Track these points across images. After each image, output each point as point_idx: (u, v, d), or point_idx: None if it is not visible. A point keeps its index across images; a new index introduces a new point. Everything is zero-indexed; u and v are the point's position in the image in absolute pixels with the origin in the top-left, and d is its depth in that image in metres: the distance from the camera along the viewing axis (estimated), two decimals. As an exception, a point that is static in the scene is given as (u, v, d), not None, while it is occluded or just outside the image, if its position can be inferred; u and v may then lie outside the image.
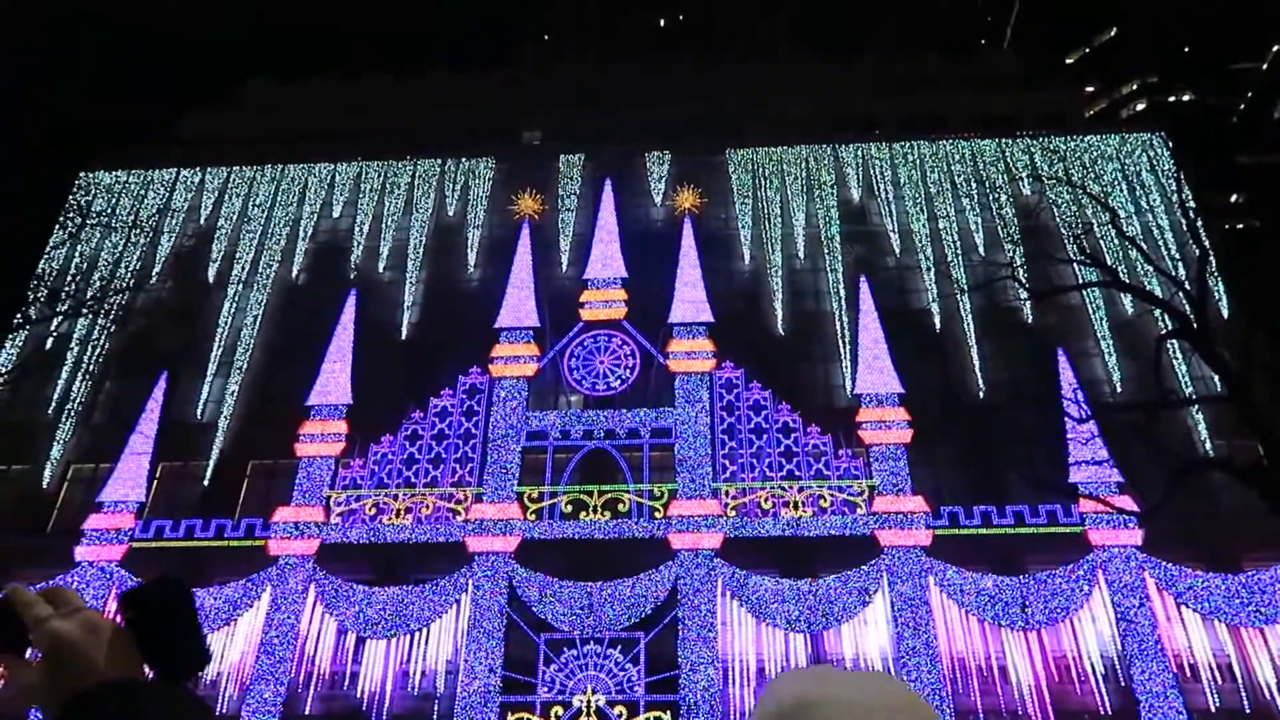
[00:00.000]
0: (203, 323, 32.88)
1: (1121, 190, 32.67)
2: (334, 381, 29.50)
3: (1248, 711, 23.67)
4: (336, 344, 30.24)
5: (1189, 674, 23.92)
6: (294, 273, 33.93)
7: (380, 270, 33.73)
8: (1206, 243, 20.84)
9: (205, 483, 29.21)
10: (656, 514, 26.76)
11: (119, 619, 1.28)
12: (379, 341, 31.33)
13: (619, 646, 25.09)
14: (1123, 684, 23.70)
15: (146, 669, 1.25)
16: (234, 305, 33.31)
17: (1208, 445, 27.44)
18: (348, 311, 31.04)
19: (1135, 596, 24.07)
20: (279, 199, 35.96)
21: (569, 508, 27.49)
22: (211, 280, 33.83)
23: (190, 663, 1.29)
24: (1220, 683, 24.04)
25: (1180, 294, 20.83)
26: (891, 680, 1.27)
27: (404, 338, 31.95)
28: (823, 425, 28.22)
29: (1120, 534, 24.37)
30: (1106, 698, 23.53)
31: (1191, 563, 25.17)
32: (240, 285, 33.68)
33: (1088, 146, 34.37)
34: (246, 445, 29.91)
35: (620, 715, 24.05)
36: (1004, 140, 35.07)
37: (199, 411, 30.88)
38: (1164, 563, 24.58)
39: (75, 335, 32.62)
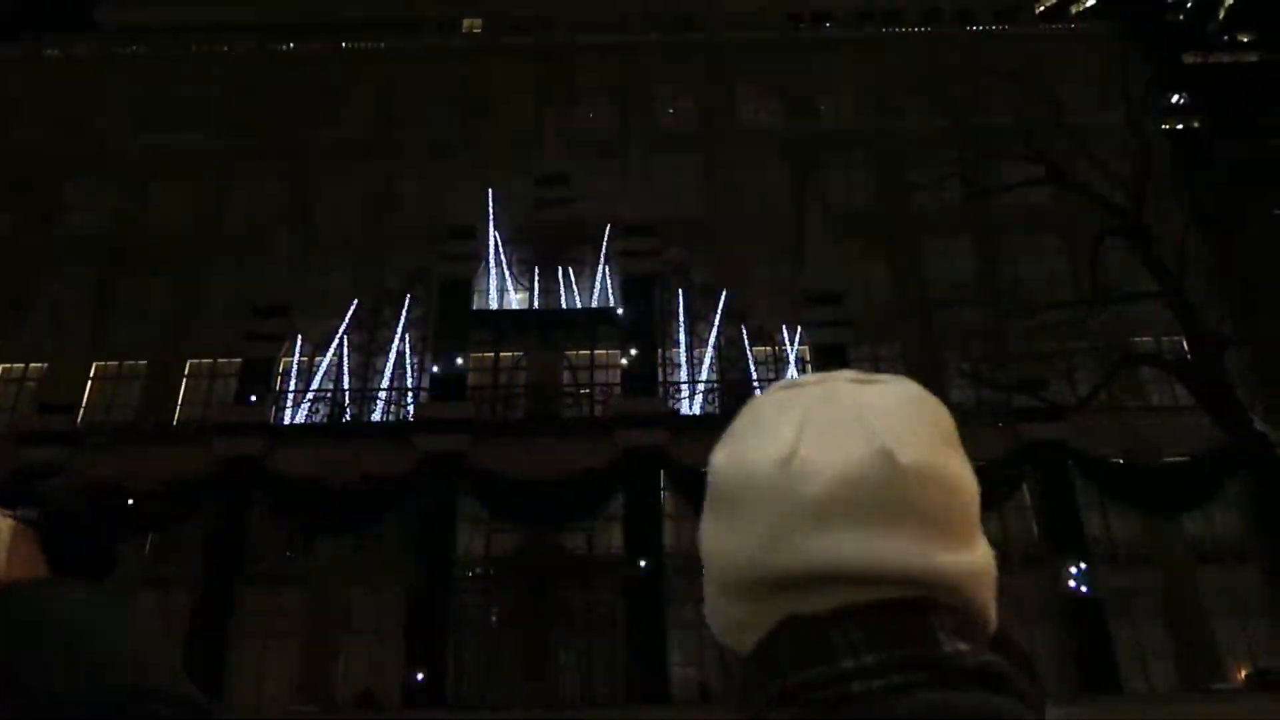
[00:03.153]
0: (138, 217, 31.65)
1: (1071, 88, 32.64)
2: (274, 279, 28.81)
3: (1162, 594, 25.11)
4: (276, 240, 29.39)
5: (1108, 560, 25.18)
6: (230, 166, 32.63)
7: (320, 164, 32.59)
8: (1147, 139, 21.05)
9: (143, 382, 28.61)
10: (602, 411, 26.98)
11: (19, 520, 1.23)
12: (320, 238, 30.55)
13: (567, 539, 25.60)
14: (1045, 570, 24.89)
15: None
16: (169, 199, 32.07)
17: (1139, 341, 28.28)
18: (286, 207, 30.09)
19: (1060, 485, 25.03)
20: (209, 90, 34.30)
21: (517, 404, 27.58)
22: (142, 172, 32.39)
23: (97, 564, 1.25)
24: (1137, 569, 25.43)
25: (1121, 191, 21.13)
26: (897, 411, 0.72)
27: (347, 235, 31.13)
28: (770, 324, 28.49)
29: (1050, 427, 25.17)
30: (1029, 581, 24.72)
31: (1116, 454, 26.24)
32: (174, 178, 32.35)
33: (1038, 41, 34.12)
34: (185, 344, 29.26)
35: (569, 602, 24.70)
36: (955, 33, 34.66)
37: (135, 309, 30.00)
38: (1088, 453, 25.55)
39: (-2, 231, 31.25)
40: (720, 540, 0.70)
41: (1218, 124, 54.99)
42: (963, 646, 0.62)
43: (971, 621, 0.66)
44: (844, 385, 0.72)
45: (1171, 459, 26.28)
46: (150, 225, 31.37)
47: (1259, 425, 22.30)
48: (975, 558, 0.69)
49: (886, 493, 0.65)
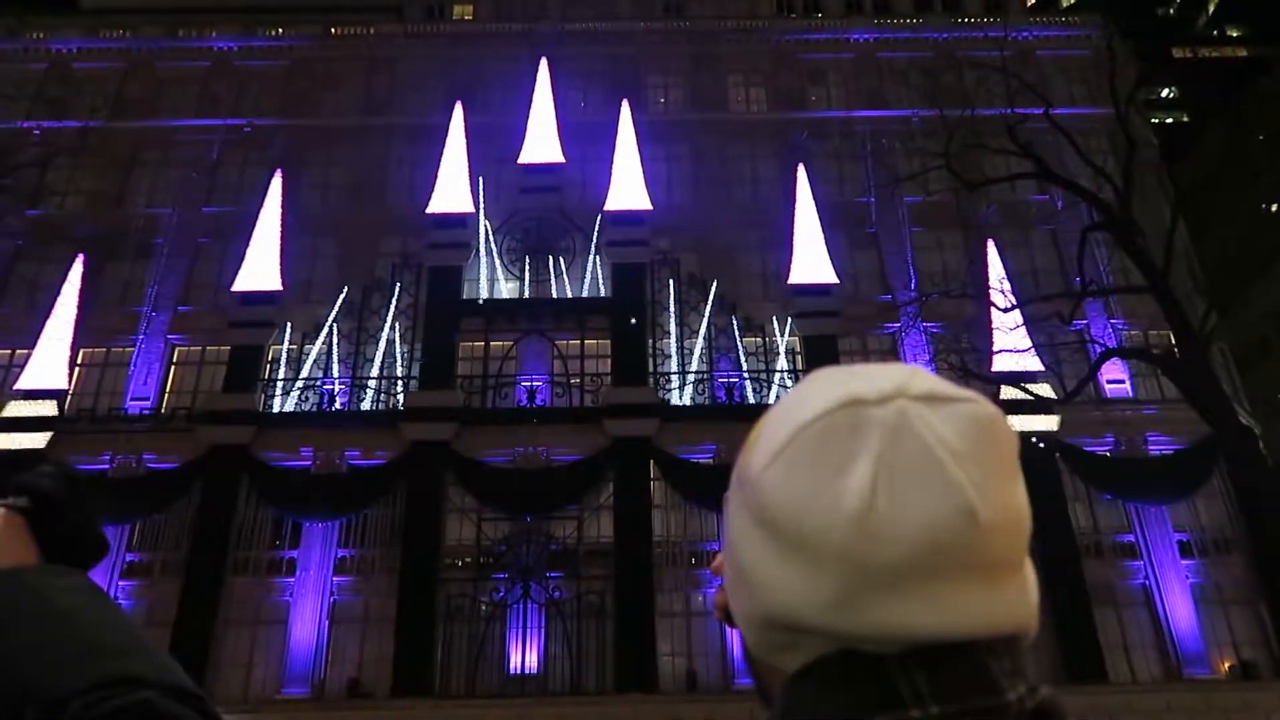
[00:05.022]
0: (121, 203, 31.40)
1: (1060, 81, 32.71)
2: (262, 266, 28.66)
3: (1149, 586, 25.33)
4: (263, 227, 29.22)
5: (1093, 551, 25.37)
6: (214, 152, 32.39)
7: (307, 151, 32.39)
8: (1135, 135, 21.13)
9: (130, 369, 28.44)
10: (592, 401, 27.00)
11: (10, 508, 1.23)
12: (308, 226, 30.38)
13: (556, 528, 25.65)
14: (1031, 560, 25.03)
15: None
16: (153, 184, 31.83)
17: (1126, 334, 28.43)
18: (273, 193, 29.91)
19: (1048, 477, 25.16)
20: (192, 73, 34.01)
21: (505, 394, 27.56)
22: (125, 156, 32.08)
23: (87, 551, 1.25)
24: (1121, 561, 25.64)
25: (1108, 186, 21.21)
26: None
27: (335, 222, 30.96)
28: (760, 314, 28.53)
29: (1037, 419, 25.30)
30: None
31: (1102, 447, 26.43)
32: (158, 164, 32.10)
33: (1027, 34, 34.15)
34: (173, 330, 29.09)
35: (559, 591, 24.76)
36: (944, 26, 34.66)
37: (120, 295, 29.80)
38: (1075, 445, 25.71)
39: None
40: (774, 575, 0.66)
41: (1205, 118, 55.23)
42: (1022, 690, 0.62)
43: (1024, 652, 0.67)
44: (914, 410, 0.65)
45: (1157, 451, 26.49)
46: (135, 209, 31.12)
47: (1243, 418, 22.51)
48: (1032, 590, 0.69)
49: (965, 552, 0.62)
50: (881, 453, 0.63)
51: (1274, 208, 46.08)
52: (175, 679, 0.98)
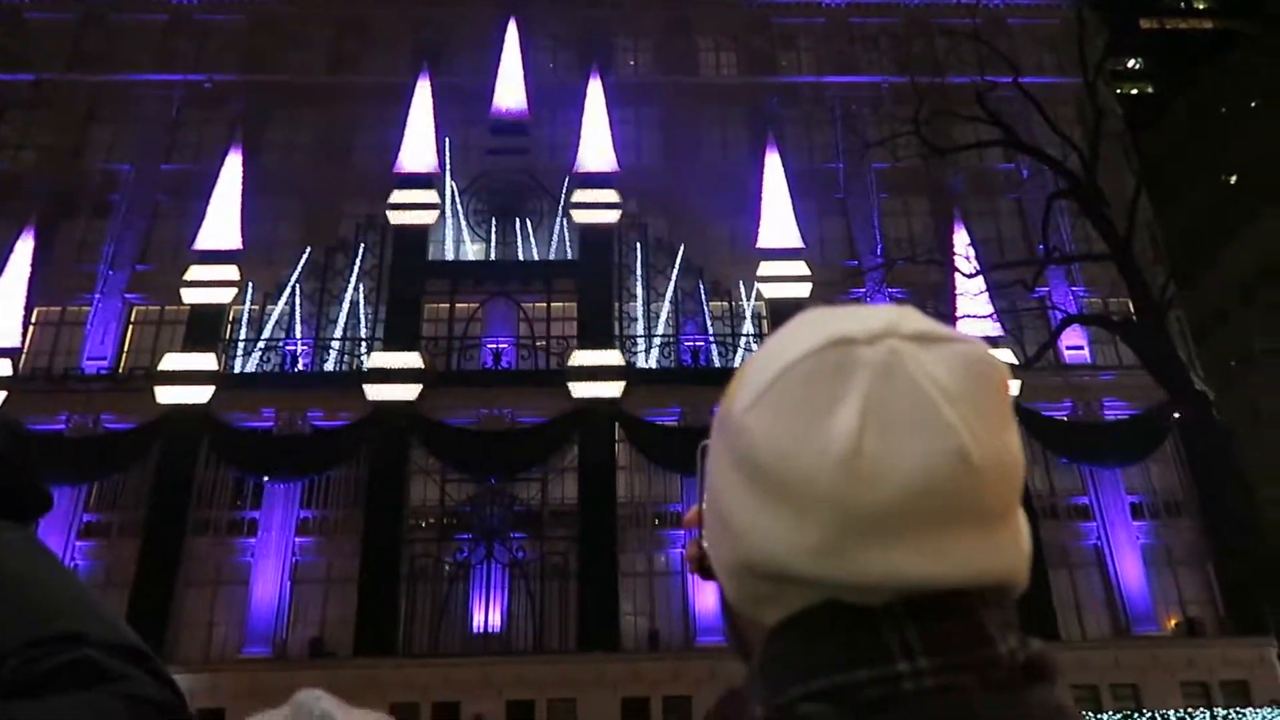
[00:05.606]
0: (78, 158, 30.60)
1: (1030, 51, 32.77)
2: (222, 225, 28.17)
3: (1101, 547, 25.91)
4: (223, 186, 28.68)
5: (1048, 513, 25.85)
6: (174, 109, 31.64)
7: (270, 109, 31.74)
8: (1102, 105, 21.29)
9: (87, 328, 27.93)
10: (558, 363, 26.96)
11: None
12: (271, 185, 29.85)
13: (520, 489, 25.70)
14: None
15: None
16: (111, 140, 31.07)
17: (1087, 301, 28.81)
18: (234, 151, 29.34)
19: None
20: (151, 28, 33.08)
21: (471, 356, 27.44)
22: (82, 111, 31.25)
23: (30, 506, 1.21)
24: (1075, 522, 26.19)
25: (1074, 155, 21.39)
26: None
27: (299, 182, 30.41)
28: (726, 279, 28.54)
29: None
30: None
31: (1060, 411, 26.87)
32: (116, 120, 31.30)
33: (998, 2, 34.14)
34: (131, 290, 28.57)
35: (521, 554, 24.85)
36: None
37: (76, 253, 29.17)
38: (1034, 410, 26.10)
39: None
40: (757, 522, 0.63)
41: (1172, 90, 55.72)
42: (1014, 642, 0.60)
43: (1013, 604, 0.64)
44: (905, 349, 0.62)
45: (1113, 416, 26.99)
46: (92, 165, 30.40)
47: (1197, 385, 22.94)
48: (1024, 539, 0.66)
49: (957, 497, 0.59)
50: (870, 393, 0.60)
51: (1234, 180, 46.76)
52: (121, 637, 0.96)
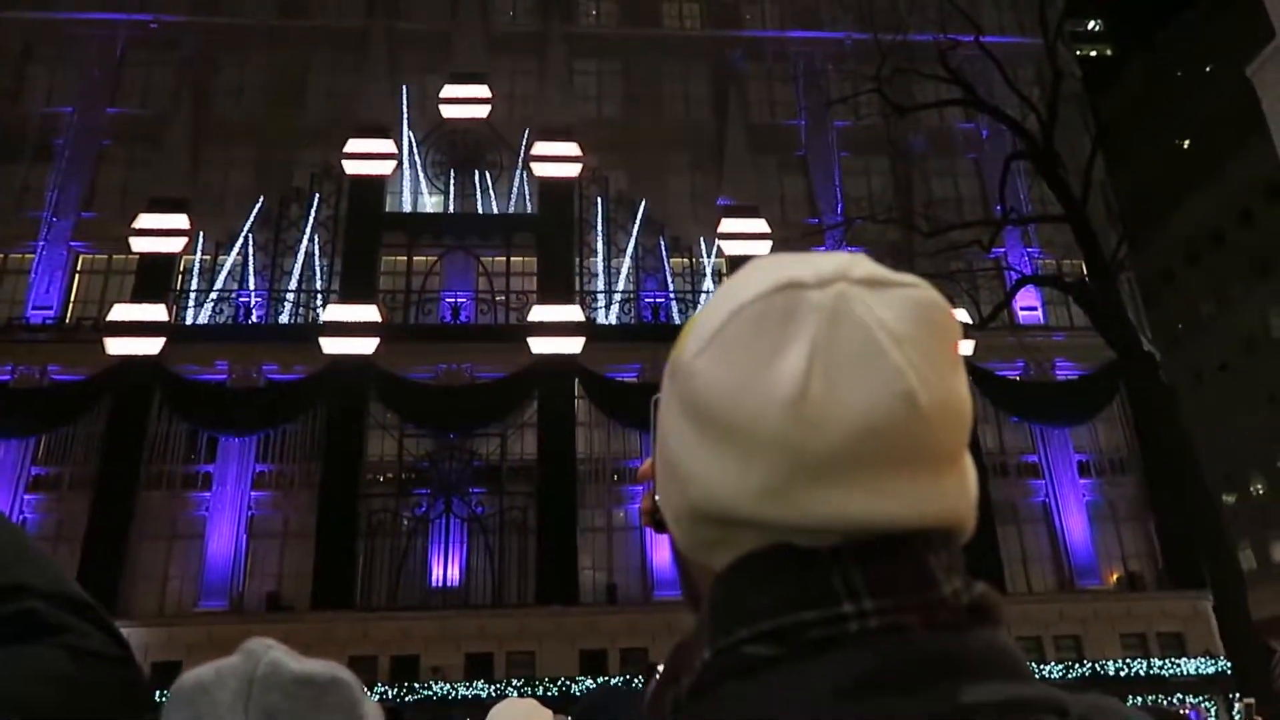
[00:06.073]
0: (17, 100, 29.45)
1: (992, 10, 32.78)
2: (172, 171, 27.40)
3: (1049, 504, 26.63)
4: (172, 131, 27.84)
5: (999, 471, 26.46)
6: (118, 50, 30.49)
7: (219, 52, 30.71)
8: (1061, 66, 21.39)
9: (31, 276, 27.12)
10: (517, 318, 26.81)
11: None
12: (222, 132, 29.03)
13: (479, 444, 25.68)
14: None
15: None
16: (51, 82, 29.91)
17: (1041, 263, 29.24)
18: (183, 96, 28.44)
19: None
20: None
21: (428, 310, 27.17)
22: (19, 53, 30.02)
23: None
24: (1025, 480, 26.86)
25: (1033, 116, 21.51)
26: None
27: (251, 128, 29.53)
28: (687, 235, 28.47)
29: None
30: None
31: (1013, 371, 27.39)
32: (55, 60, 30.10)
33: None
34: (76, 238, 27.73)
35: (480, 509, 24.90)
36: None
37: (17, 199, 28.19)
38: (988, 370, 26.59)
39: None
40: (703, 465, 0.62)
41: (1128, 52, 56.18)
42: (958, 584, 0.60)
43: (959, 549, 0.64)
44: (854, 293, 0.61)
45: (1064, 376, 27.57)
46: (32, 108, 29.28)
47: (1146, 345, 23.47)
48: (971, 484, 0.65)
49: (904, 439, 0.59)
50: (818, 336, 0.60)
51: (1187, 144, 47.49)
52: (64, 588, 0.94)
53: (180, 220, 26.90)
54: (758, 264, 0.66)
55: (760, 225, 28.32)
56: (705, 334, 0.64)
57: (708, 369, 0.62)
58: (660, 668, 0.68)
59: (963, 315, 25.05)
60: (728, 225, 28.27)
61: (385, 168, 28.34)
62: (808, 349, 0.59)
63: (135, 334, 25.26)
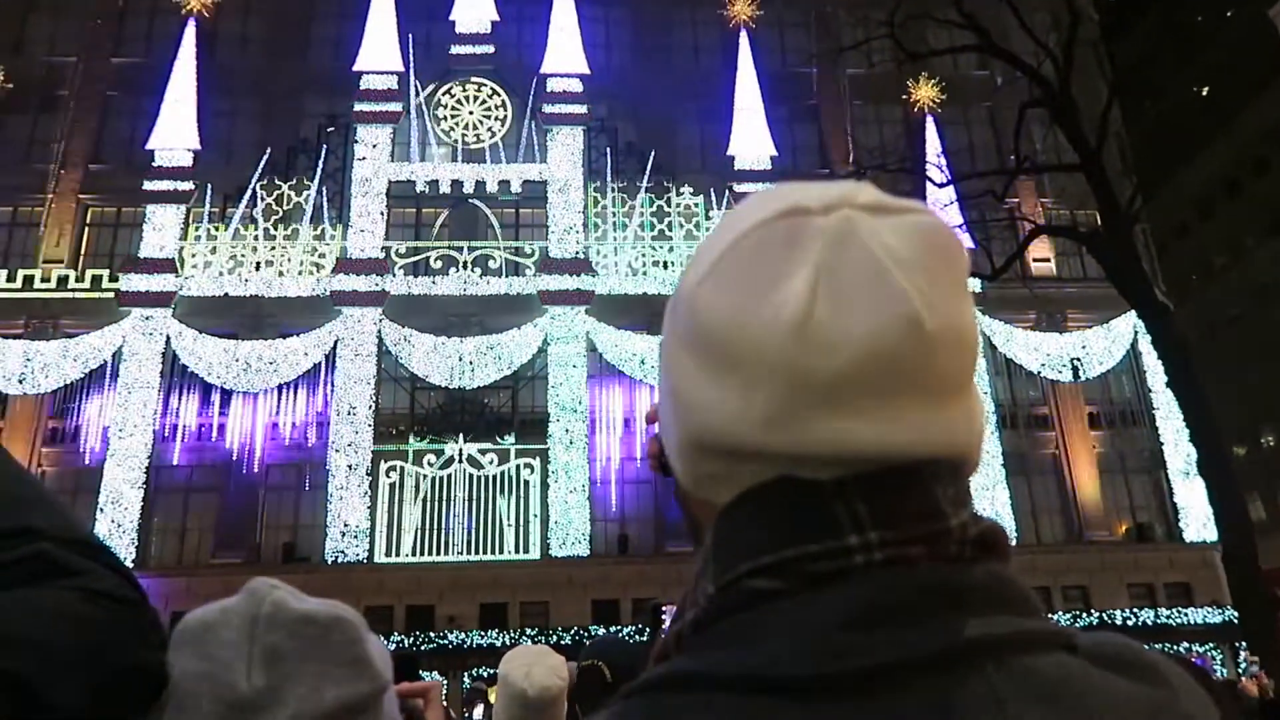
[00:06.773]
0: (19, 51, 29.13)
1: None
2: (178, 122, 27.18)
3: (1059, 456, 26.68)
4: (177, 80, 27.57)
5: (1009, 423, 26.49)
6: (122, -1, 30.05)
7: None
8: (1078, 9, 20.94)
9: (40, 229, 27.06)
10: (527, 270, 26.73)
11: None
12: (226, 82, 28.72)
13: (490, 397, 25.78)
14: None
15: None
16: (53, 32, 29.54)
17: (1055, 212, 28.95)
18: (187, 43, 28.11)
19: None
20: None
21: (438, 263, 27.08)
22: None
23: None
24: (1035, 431, 26.89)
25: (1049, 62, 21.13)
26: None
27: (256, 78, 29.21)
28: (697, 186, 28.20)
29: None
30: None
31: (1027, 322, 27.29)
32: (57, 10, 29.70)
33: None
34: (83, 191, 27.62)
35: (491, 461, 25.06)
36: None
37: (24, 152, 28.03)
38: (1000, 320, 26.48)
39: None
40: (704, 394, 0.61)
41: (1146, -2, 54.93)
42: (965, 517, 0.59)
43: (966, 482, 0.63)
44: (858, 218, 0.60)
45: (1077, 327, 27.46)
46: (34, 58, 28.95)
47: (1159, 297, 23.30)
48: (978, 416, 0.64)
49: (909, 364, 0.58)
50: (822, 261, 0.58)
51: (1205, 91, 46.66)
52: (76, 531, 0.93)
53: (186, 171, 26.76)
54: (761, 193, 0.65)
55: (770, 176, 28.03)
56: (707, 262, 0.63)
57: (709, 297, 0.61)
58: (665, 608, 0.67)
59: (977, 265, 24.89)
60: (738, 175, 27.99)
61: (392, 119, 28.06)
62: (811, 274, 0.58)
63: (145, 287, 25.27)
